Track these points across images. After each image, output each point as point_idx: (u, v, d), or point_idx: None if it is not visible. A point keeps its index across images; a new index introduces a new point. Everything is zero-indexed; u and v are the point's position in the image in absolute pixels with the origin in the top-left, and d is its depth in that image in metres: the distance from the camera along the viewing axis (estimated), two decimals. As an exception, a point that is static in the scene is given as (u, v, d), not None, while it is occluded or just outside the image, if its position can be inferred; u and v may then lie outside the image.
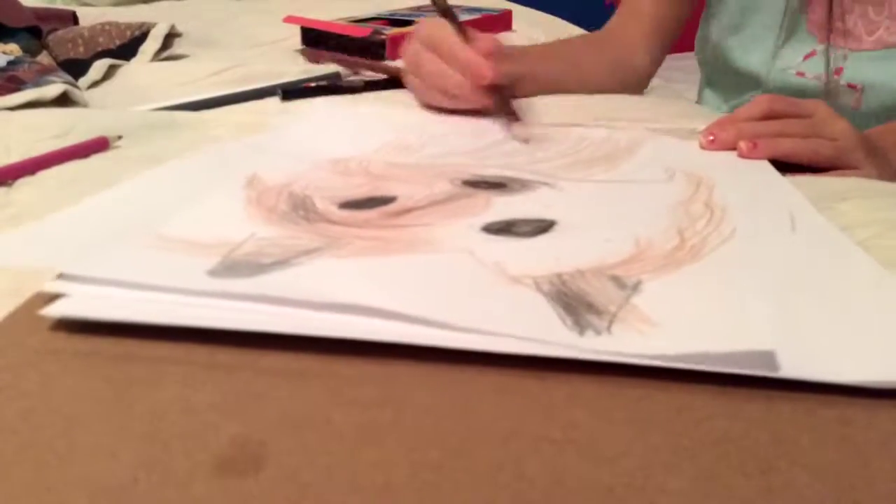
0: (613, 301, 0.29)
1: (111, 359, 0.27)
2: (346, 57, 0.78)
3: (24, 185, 0.45)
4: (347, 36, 0.83)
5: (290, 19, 0.87)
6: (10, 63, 0.66)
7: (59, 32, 0.81)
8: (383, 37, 0.81)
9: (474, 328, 0.27)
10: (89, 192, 0.44)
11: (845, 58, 0.73)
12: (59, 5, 1.14)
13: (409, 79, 0.63)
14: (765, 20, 0.75)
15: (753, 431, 0.24)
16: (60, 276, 0.29)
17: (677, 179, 0.45)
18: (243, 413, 0.24)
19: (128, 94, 0.67)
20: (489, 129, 0.55)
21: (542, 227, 0.37)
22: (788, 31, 0.74)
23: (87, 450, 0.22)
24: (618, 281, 0.31)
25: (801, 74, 0.75)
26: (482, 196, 0.41)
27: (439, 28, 0.59)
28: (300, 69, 0.75)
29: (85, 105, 0.61)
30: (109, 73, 0.73)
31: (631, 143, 0.53)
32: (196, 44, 0.87)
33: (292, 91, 0.64)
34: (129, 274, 0.30)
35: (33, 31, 0.79)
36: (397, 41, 0.81)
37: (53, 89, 0.60)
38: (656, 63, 0.79)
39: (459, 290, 0.30)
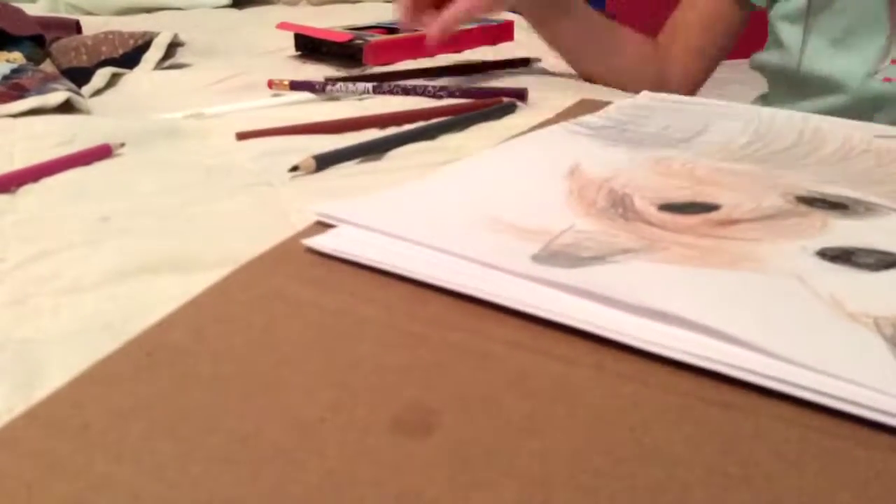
0: None
1: (327, 312, 0.30)
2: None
3: (28, 193, 0.45)
4: (331, 41, 0.83)
5: (283, 26, 0.88)
6: (13, 71, 0.66)
7: (63, 41, 0.81)
8: (360, 42, 0.82)
9: (798, 360, 0.25)
10: (92, 199, 0.44)
11: None
12: (63, 14, 1.14)
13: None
14: (870, 29, 0.71)
15: None
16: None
17: None
18: (425, 380, 0.26)
19: (131, 103, 0.67)
20: (829, 140, 0.50)
21: (889, 261, 0.33)
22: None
23: (288, 386, 0.25)
24: None
25: (889, 80, 0.70)
26: (818, 216, 0.37)
27: None
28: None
29: (88, 113, 0.61)
30: (112, 82, 0.73)
31: None
32: (198, 53, 0.87)
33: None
34: (455, 246, 0.32)
35: (37, 40, 0.79)
36: (378, 48, 0.82)
37: (57, 97, 0.60)
38: (693, 84, 0.79)
39: (786, 317, 0.28)
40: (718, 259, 0.32)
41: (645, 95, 0.59)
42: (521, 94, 0.63)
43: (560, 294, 0.30)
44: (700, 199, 0.39)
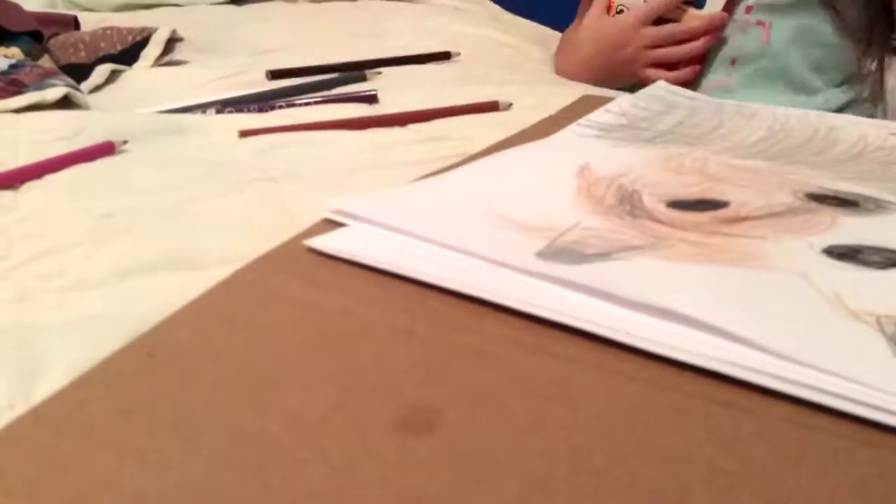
0: None
1: (329, 312, 0.30)
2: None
3: (31, 189, 0.45)
4: None
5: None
6: (11, 66, 0.66)
7: (61, 37, 0.81)
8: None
9: (797, 358, 0.25)
10: (95, 196, 0.44)
11: None
12: (61, 10, 1.14)
13: None
14: None
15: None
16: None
17: None
18: (428, 380, 0.26)
19: (129, 99, 0.67)
20: (843, 138, 0.50)
21: (895, 259, 0.33)
22: None
23: (290, 384, 0.26)
24: None
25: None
26: (827, 213, 0.37)
27: None
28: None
29: (87, 108, 0.61)
30: (111, 78, 0.73)
31: None
32: (197, 49, 0.87)
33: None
34: (461, 243, 0.32)
35: (35, 36, 0.79)
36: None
37: (55, 92, 0.60)
38: None
39: (787, 315, 0.28)
40: (724, 256, 0.32)
41: (661, 86, 0.59)
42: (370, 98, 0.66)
43: (562, 292, 0.30)
44: (709, 196, 0.39)
